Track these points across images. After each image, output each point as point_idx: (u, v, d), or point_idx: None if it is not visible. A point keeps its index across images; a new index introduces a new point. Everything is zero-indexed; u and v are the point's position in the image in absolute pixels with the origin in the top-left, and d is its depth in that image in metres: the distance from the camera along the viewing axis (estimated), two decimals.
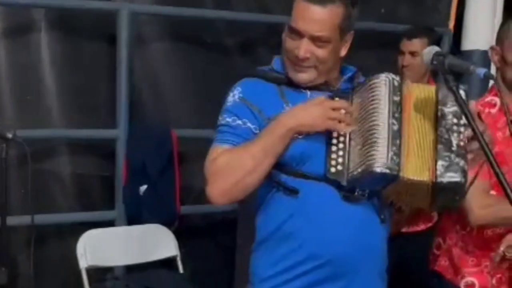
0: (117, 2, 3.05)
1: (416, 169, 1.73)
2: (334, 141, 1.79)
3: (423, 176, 1.73)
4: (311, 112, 1.77)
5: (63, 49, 3.05)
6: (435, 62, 1.73)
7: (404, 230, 2.91)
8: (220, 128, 1.84)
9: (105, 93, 3.12)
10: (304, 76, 1.84)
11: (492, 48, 2.25)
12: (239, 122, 1.81)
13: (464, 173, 1.74)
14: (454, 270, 2.31)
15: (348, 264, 1.81)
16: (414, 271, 2.92)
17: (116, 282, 2.93)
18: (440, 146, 1.74)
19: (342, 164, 1.77)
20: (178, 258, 3.04)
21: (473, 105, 1.81)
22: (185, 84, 3.28)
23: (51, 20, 3.00)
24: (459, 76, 2.10)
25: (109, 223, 3.07)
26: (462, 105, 1.67)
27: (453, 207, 1.87)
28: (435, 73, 2.88)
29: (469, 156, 1.76)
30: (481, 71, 1.65)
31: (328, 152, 1.79)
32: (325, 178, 1.79)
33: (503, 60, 2.19)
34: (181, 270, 3.04)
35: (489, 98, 2.25)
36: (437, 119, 1.77)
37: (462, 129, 1.76)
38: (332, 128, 1.78)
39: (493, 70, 3.70)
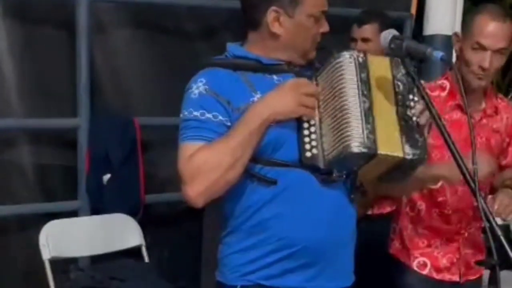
0: None
1: (389, 144, 1.74)
2: (305, 124, 1.78)
3: (396, 151, 1.74)
4: (284, 100, 1.75)
5: (22, 38, 2.99)
6: (392, 46, 1.73)
7: (370, 212, 2.92)
8: (189, 123, 1.77)
9: (66, 82, 3.07)
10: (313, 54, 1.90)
11: (456, 34, 2.24)
12: (209, 115, 1.76)
13: (425, 150, 1.78)
14: (407, 252, 2.35)
15: (322, 251, 1.81)
16: (379, 253, 2.95)
17: (81, 273, 2.89)
18: (402, 123, 1.77)
19: (317, 147, 1.77)
20: (143, 248, 3.01)
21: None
22: (147, 72, 3.25)
23: (8, 8, 2.94)
24: (422, 61, 2.11)
25: (72, 214, 3.03)
26: (415, 79, 1.70)
27: (403, 179, 1.88)
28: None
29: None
30: (438, 54, 1.66)
31: (300, 136, 1.78)
32: (300, 163, 1.78)
33: (461, 50, 2.19)
34: (146, 259, 3.02)
35: (440, 81, 2.27)
36: (396, 95, 1.79)
37: (417, 104, 1.79)
38: (307, 114, 1.78)
39: (455, 55, 3.76)
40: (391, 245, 2.40)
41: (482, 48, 2.13)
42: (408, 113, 1.79)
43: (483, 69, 2.13)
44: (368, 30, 3.17)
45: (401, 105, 1.79)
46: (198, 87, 1.79)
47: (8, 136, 2.99)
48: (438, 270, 2.33)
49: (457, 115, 2.19)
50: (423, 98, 1.71)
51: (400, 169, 1.80)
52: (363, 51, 1.83)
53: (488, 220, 1.57)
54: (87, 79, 3.01)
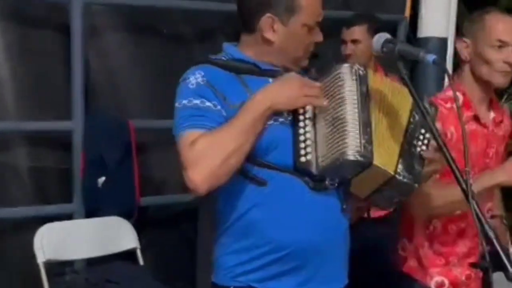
0: None
1: (384, 158, 1.76)
2: (301, 130, 1.79)
3: (390, 167, 1.77)
4: (287, 89, 1.77)
5: (16, 41, 2.99)
6: (385, 49, 1.74)
7: (365, 215, 2.93)
8: (189, 111, 1.77)
9: (60, 85, 3.07)
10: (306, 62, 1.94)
11: (462, 40, 2.22)
12: (209, 104, 1.77)
13: (418, 179, 1.82)
14: (423, 270, 2.29)
15: (311, 256, 1.82)
16: (376, 255, 2.95)
17: (75, 276, 2.90)
18: (406, 147, 1.80)
19: (311, 153, 1.78)
20: (138, 250, 3.01)
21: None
22: (141, 75, 3.25)
23: (3, 10, 2.94)
24: (415, 63, 2.12)
25: (67, 217, 3.02)
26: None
27: (388, 205, 1.90)
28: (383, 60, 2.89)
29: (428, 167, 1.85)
30: (431, 57, 1.67)
31: (296, 141, 1.79)
32: (293, 168, 1.79)
33: (476, 54, 2.18)
34: (141, 262, 3.02)
35: (451, 92, 2.19)
36: (409, 123, 1.83)
37: (426, 141, 1.84)
38: (309, 104, 1.79)
39: (449, 57, 3.78)
40: (404, 263, 2.32)
41: (505, 44, 2.14)
42: (415, 142, 1.83)
43: (509, 63, 2.15)
44: (356, 31, 3.20)
45: (411, 133, 1.82)
46: (196, 78, 1.80)
47: (2, 138, 2.99)
48: (457, 286, 2.28)
49: (472, 126, 2.18)
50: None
51: (387, 190, 1.82)
52: (364, 66, 1.85)
53: (480, 223, 1.58)
54: (81, 82, 3.00)
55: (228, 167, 1.73)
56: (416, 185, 1.81)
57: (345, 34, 3.24)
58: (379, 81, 1.85)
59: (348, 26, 3.22)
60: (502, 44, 2.14)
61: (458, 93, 2.20)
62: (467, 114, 2.19)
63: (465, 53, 2.21)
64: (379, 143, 1.76)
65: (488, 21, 2.18)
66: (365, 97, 1.77)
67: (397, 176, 1.77)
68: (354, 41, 3.20)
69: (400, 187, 1.81)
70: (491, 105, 2.28)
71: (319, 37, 1.89)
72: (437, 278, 2.28)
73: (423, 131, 1.85)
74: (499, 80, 2.17)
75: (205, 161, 1.70)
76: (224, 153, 1.71)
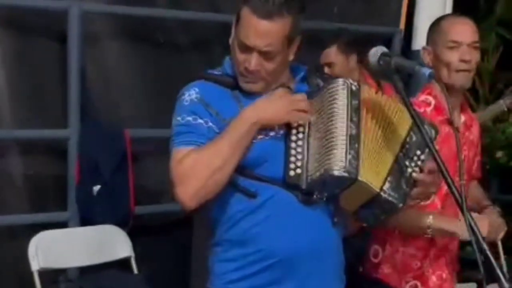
0: (67, 1, 3.01)
1: (371, 175, 1.77)
2: (293, 144, 1.81)
3: (375, 184, 1.77)
4: (274, 104, 1.79)
5: (14, 48, 3.00)
6: (381, 63, 1.76)
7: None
8: (180, 128, 1.81)
9: (57, 93, 3.08)
10: (253, 87, 1.85)
11: (423, 48, 2.29)
12: (201, 121, 1.80)
13: (405, 200, 1.82)
14: (399, 276, 2.31)
15: (299, 265, 1.83)
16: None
17: (69, 284, 2.90)
18: (397, 166, 1.80)
19: (301, 167, 1.79)
20: (133, 259, 3.01)
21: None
22: (137, 84, 3.27)
23: (1, 19, 2.95)
24: (409, 76, 2.14)
25: (62, 225, 3.03)
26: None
27: (374, 222, 1.90)
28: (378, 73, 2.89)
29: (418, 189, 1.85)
30: (426, 71, 1.69)
31: (287, 155, 1.81)
32: (283, 181, 1.80)
33: (437, 59, 2.23)
34: (135, 270, 3.02)
35: (423, 97, 2.28)
36: (405, 142, 1.83)
37: (420, 162, 1.83)
38: (296, 119, 1.80)
39: None
40: (377, 270, 2.34)
41: (458, 44, 2.20)
42: (407, 162, 1.82)
43: (465, 61, 2.20)
44: (328, 54, 3.15)
45: (404, 153, 1.82)
46: (190, 94, 1.84)
47: None
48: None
49: (445, 129, 2.20)
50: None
51: (373, 207, 1.82)
52: (358, 81, 1.85)
53: (475, 234, 1.59)
54: (77, 90, 3.01)
55: (214, 183, 1.77)
56: (401, 205, 1.80)
57: (321, 57, 3.21)
58: (375, 97, 1.85)
59: (323, 48, 3.20)
60: (456, 44, 2.20)
61: (429, 97, 2.28)
62: (439, 118, 2.22)
63: (427, 60, 2.27)
64: (369, 159, 1.77)
65: (442, 25, 2.25)
66: (357, 112, 1.78)
67: (382, 193, 1.77)
68: (329, 64, 3.17)
69: (385, 205, 1.81)
70: (461, 109, 2.32)
71: (249, 64, 1.80)
72: (412, 282, 2.30)
73: (418, 152, 1.84)
74: (460, 80, 2.22)
75: (192, 178, 1.75)
76: (210, 170, 1.75)
